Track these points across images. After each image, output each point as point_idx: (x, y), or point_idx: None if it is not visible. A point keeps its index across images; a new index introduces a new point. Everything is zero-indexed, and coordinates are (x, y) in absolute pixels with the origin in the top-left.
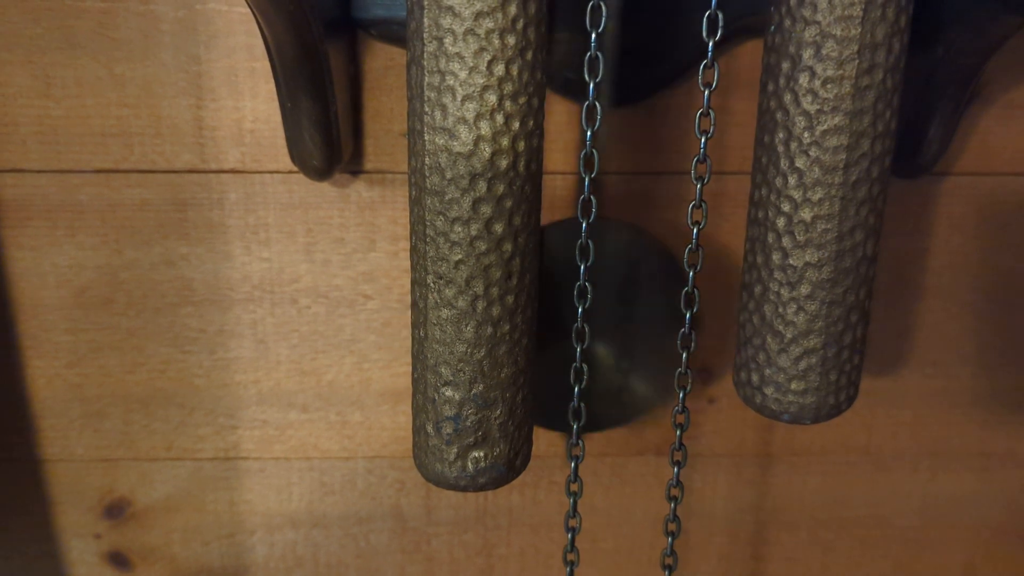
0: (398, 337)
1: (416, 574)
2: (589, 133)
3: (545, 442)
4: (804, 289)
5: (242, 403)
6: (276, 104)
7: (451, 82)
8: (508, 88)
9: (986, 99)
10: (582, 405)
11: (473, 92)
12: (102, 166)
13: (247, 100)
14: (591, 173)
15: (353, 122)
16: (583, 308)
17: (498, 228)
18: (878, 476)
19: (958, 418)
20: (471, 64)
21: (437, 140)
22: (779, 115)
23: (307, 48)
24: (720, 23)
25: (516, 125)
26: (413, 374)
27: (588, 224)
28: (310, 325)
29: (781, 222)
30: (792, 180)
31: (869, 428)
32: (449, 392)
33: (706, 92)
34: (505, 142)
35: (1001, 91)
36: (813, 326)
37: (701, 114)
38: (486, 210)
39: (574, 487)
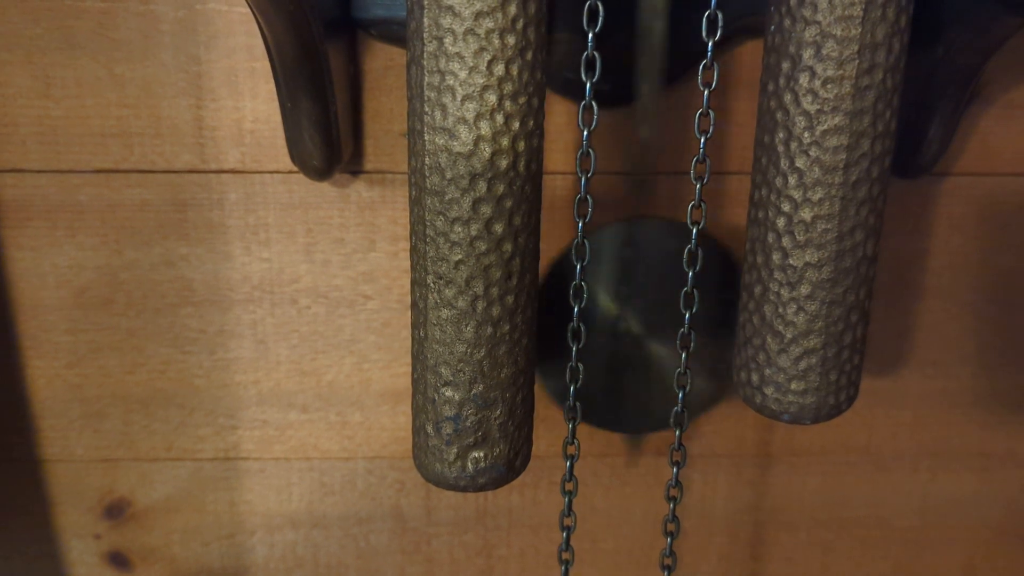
0: (398, 337)
1: (416, 574)
2: (586, 133)
3: (545, 442)
4: (804, 289)
5: (242, 403)
6: (276, 104)
7: (451, 82)
8: (508, 88)
9: (986, 99)
10: (577, 404)
11: (473, 92)
12: (102, 166)
13: (247, 100)
14: (588, 173)
15: (353, 122)
16: (578, 308)
17: (498, 228)
18: (878, 476)
19: (958, 418)
20: (471, 64)
21: (437, 140)
22: (779, 115)
23: (307, 48)
24: (720, 23)
25: (516, 125)
26: (413, 374)
27: (584, 223)
28: (310, 325)
29: (781, 222)
30: (792, 180)
31: (869, 428)
32: (449, 392)
33: (705, 92)
34: (505, 142)
35: (1001, 91)
36: (813, 326)
37: (701, 114)
38: (486, 210)
39: (569, 486)
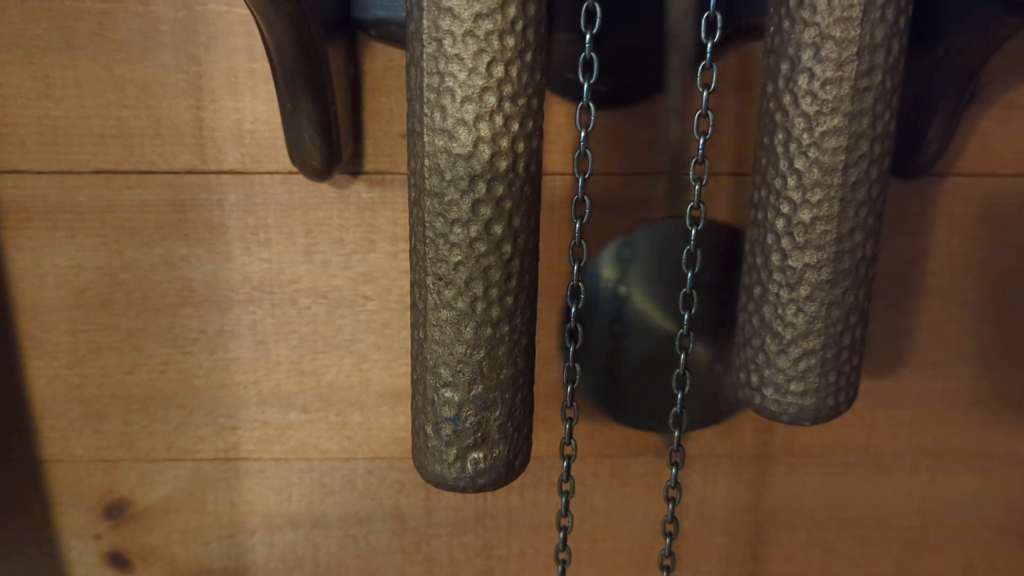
0: (398, 338)
1: (416, 575)
2: (583, 134)
3: (545, 443)
4: (803, 290)
5: (242, 404)
6: (276, 105)
7: (450, 83)
8: (507, 89)
9: (986, 99)
10: (575, 404)
11: (472, 93)
12: (102, 167)
13: (247, 101)
14: (585, 174)
15: (353, 123)
16: (576, 308)
17: (497, 229)
18: (878, 477)
19: (958, 418)
20: (470, 65)
21: (436, 141)
22: (778, 116)
23: (307, 49)
24: (719, 24)
25: (515, 126)
26: (412, 375)
27: (581, 224)
28: (310, 326)
29: (780, 223)
30: (791, 181)
31: (869, 429)
32: (448, 393)
33: (704, 93)
34: (504, 143)
35: (1001, 91)
36: (812, 327)
37: (700, 115)
38: (485, 211)
39: (566, 486)
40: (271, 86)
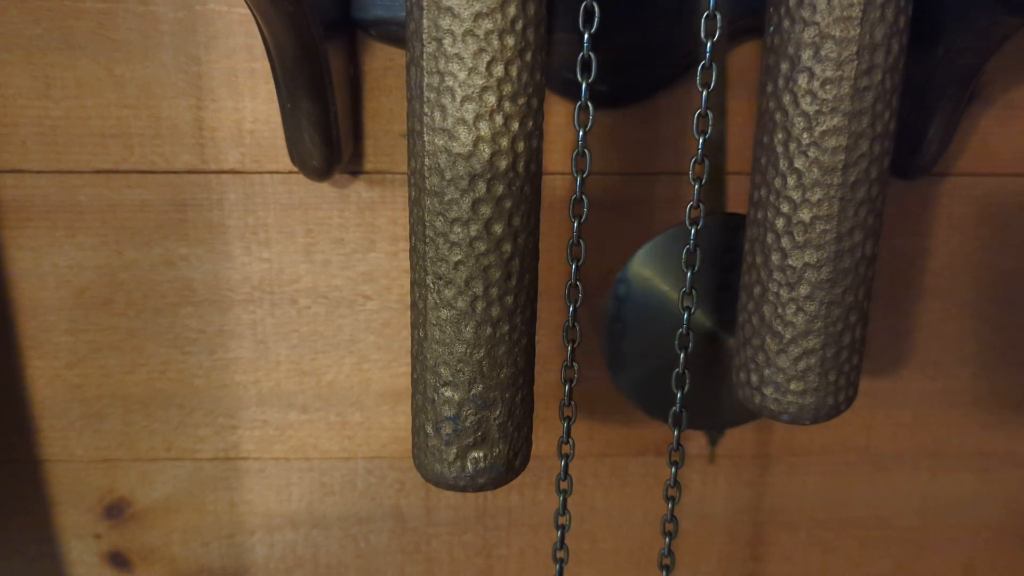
0: (398, 337)
1: (416, 574)
2: (581, 133)
3: (545, 442)
4: (803, 290)
5: (242, 403)
6: (276, 105)
7: (450, 83)
8: (507, 89)
9: (986, 99)
10: (574, 404)
11: (472, 93)
12: (102, 167)
13: (247, 101)
14: (583, 173)
15: (353, 123)
16: (574, 307)
17: (497, 229)
18: (878, 476)
19: (958, 418)
20: (470, 65)
21: (436, 141)
22: (778, 116)
23: (307, 49)
24: (719, 23)
25: (515, 126)
26: (412, 374)
27: (580, 224)
28: (310, 325)
29: (780, 223)
30: (791, 181)
31: (869, 428)
32: (448, 392)
33: (704, 92)
34: (504, 143)
35: (1001, 91)
36: (812, 327)
37: (699, 114)
38: (485, 211)
39: (564, 485)
40: (271, 86)
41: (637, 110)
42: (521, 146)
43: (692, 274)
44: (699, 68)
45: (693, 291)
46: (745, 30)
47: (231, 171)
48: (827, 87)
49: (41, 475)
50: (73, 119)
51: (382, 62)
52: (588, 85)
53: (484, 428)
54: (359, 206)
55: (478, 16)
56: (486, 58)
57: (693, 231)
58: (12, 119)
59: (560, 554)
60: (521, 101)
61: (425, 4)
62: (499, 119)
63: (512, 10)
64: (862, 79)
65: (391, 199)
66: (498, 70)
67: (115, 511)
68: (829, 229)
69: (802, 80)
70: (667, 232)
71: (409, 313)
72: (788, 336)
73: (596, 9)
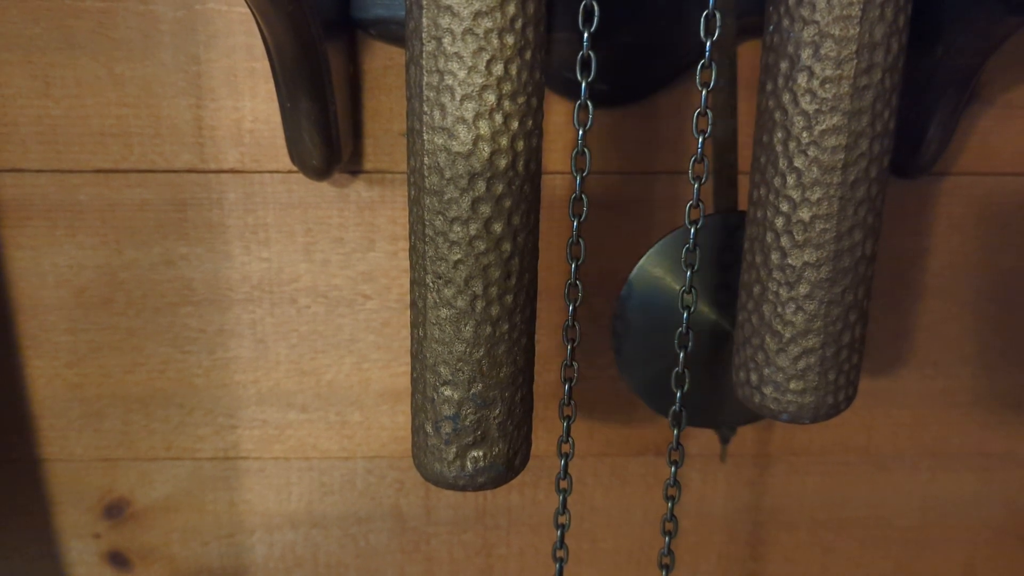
0: (397, 337)
1: (416, 574)
2: (581, 132)
3: (545, 442)
4: (803, 289)
5: (241, 403)
6: (276, 104)
7: (450, 82)
8: (507, 88)
9: (985, 99)
10: (573, 403)
11: (472, 92)
12: (102, 166)
13: (247, 100)
14: (583, 172)
15: (352, 122)
16: (574, 306)
17: (497, 228)
18: (878, 476)
19: (958, 418)
20: (470, 64)
21: (436, 140)
22: (777, 115)
23: (307, 48)
24: (718, 23)
25: (515, 125)
26: (412, 374)
27: (579, 223)
28: (309, 325)
29: (780, 222)
30: (791, 180)
31: (868, 428)
32: (448, 391)
33: (703, 92)
34: (504, 142)
35: (1001, 91)
36: (812, 326)
37: (699, 114)
38: (485, 210)
39: (563, 484)
40: (271, 85)
41: (637, 109)
42: (521, 145)
43: (691, 273)
44: (699, 67)
45: (694, 290)
46: (753, 28)
47: (231, 170)
48: (827, 86)
49: (41, 475)
50: (73, 118)
51: (382, 61)
52: (588, 84)
53: (484, 427)
54: (359, 205)
55: (478, 15)
56: (486, 57)
57: (692, 231)
58: (12, 119)
59: (560, 553)
60: (521, 100)
61: (424, 3)
62: (499, 118)
63: (511, 8)
64: (862, 78)
65: (391, 198)
66: (498, 69)
67: (115, 511)
68: (829, 228)
69: (802, 79)
70: (678, 230)
71: (409, 312)
72: (788, 335)
73: (596, 8)
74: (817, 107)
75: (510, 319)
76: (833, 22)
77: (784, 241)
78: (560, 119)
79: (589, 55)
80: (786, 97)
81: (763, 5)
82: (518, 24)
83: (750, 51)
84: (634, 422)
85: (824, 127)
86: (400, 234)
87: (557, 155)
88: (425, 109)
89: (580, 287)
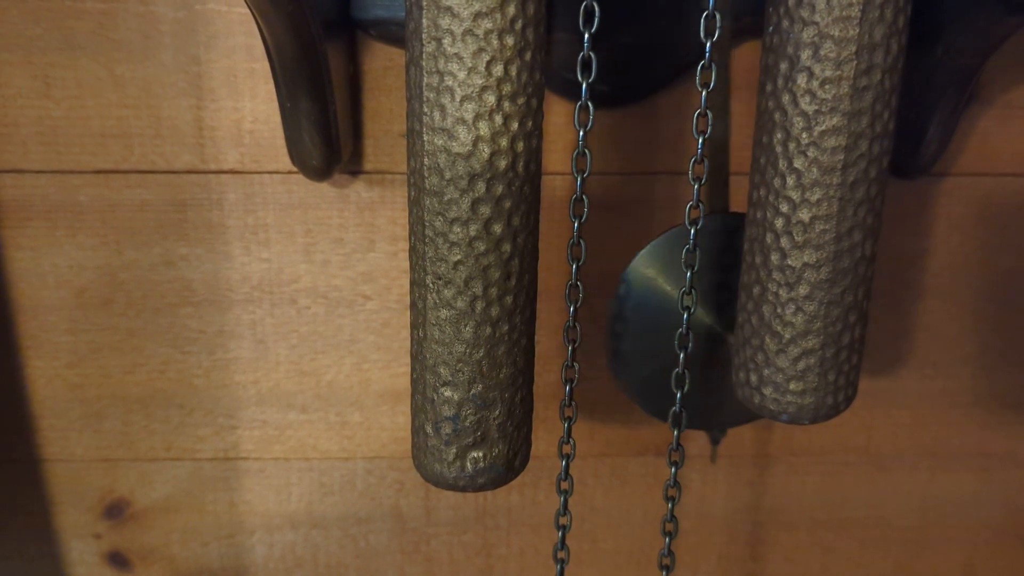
0: (397, 337)
1: (416, 574)
2: (582, 133)
3: (545, 443)
4: (802, 290)
5: (241, 403)
6: (276, 104)
7: (450, 83)
8: (507, 89)
9: (985, 99)
10: (574, 403)
11: (472, 93)
12: (102, 167)
13: (247, 101)
14: (583, 173)
15: (352, 122)
16: (575, 307)
17: (497, 229)
18: (878, 476)
19: (958, 418)
20: (470, 65)
21: (436, 141)
22: (777, 116)
23: (306, 48)
24: (718, 23)
25: (515, 126)
26: (412, 374)
27: (580, 224)
28: (309, 325)
29: (779, 223)
30: (790, 181)
31: (868, 428)
32: (448, 392)
33: (703, 92)
34: (504, 143)
35: (1000, 91)
36: (811, 327)
37: (699, 114)
38: (485, 211)
39: (564, 485)
40: (271, 86)
41: (637, 110)
42: (521, 146)
43: (692, 274)
44: (699, 68)
45: (693, 291)
46: (750, 29)
47: (231, 171)
48: (826, 87)
49: (41, 475)
50: (73, 119)
51: (382, 62)
52: (588, 85)
53: (483, 428)
54: (359, 206)
55: (477, 16)
56: (485, 58)
57: (693, 231)
58: (12, 119)
59: (561, 554)
60: (521, 101)
61: (424, 4)
62: (499, 119)
63: (511, 9)
64: (861, 79)
65: (391, 199)
66: (497, 70)
67: (115, 511)
68: (828, 229)
69: (801, 80)
70: (670, 231)
71: (409, 313)
72: (787, 336)
73: (596, 9)
74: (817, 108)
75: (510, 320)
76: (833, 23)
77: (784, 242)
78: (560, 120)
79: (590, 56)
80: (786, 98)
81: (759, 6)
82: (518, 25)
83: (747, 52)
84: (634, 423)
85: (824, 128)
86: (400, 235)
87: (557, 156)
88: (425, 110)
89: (581, 288)
